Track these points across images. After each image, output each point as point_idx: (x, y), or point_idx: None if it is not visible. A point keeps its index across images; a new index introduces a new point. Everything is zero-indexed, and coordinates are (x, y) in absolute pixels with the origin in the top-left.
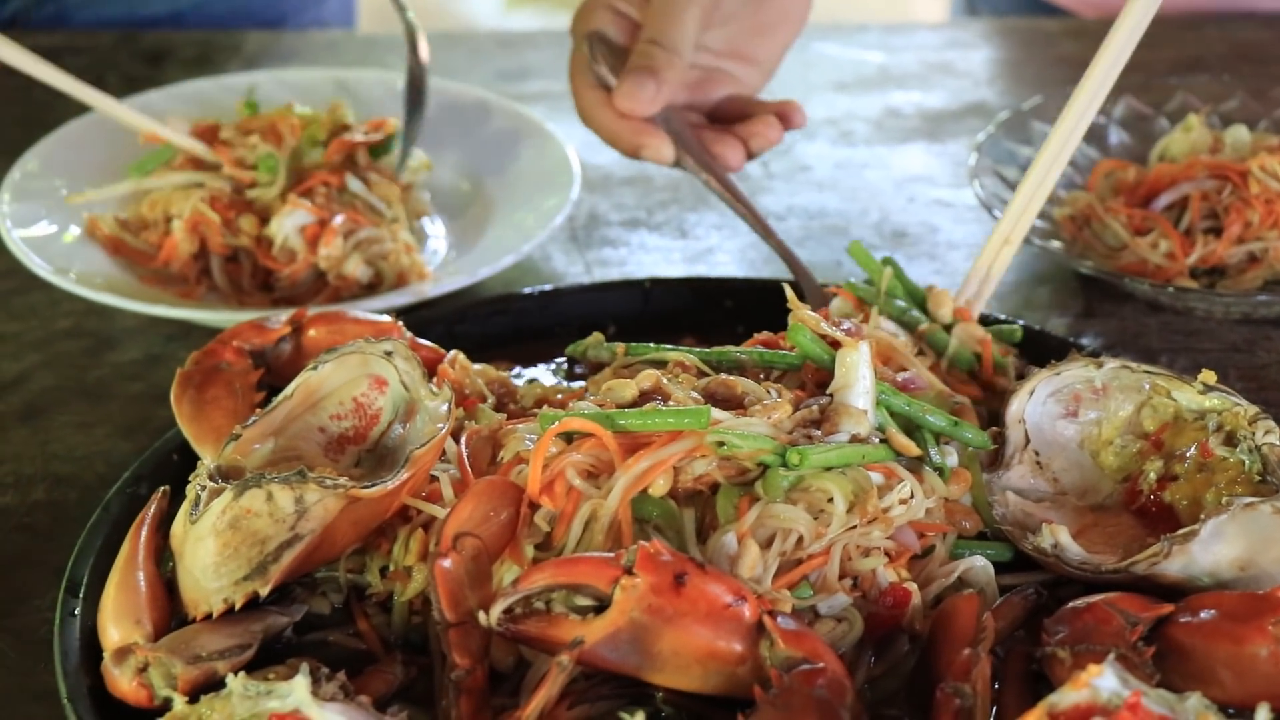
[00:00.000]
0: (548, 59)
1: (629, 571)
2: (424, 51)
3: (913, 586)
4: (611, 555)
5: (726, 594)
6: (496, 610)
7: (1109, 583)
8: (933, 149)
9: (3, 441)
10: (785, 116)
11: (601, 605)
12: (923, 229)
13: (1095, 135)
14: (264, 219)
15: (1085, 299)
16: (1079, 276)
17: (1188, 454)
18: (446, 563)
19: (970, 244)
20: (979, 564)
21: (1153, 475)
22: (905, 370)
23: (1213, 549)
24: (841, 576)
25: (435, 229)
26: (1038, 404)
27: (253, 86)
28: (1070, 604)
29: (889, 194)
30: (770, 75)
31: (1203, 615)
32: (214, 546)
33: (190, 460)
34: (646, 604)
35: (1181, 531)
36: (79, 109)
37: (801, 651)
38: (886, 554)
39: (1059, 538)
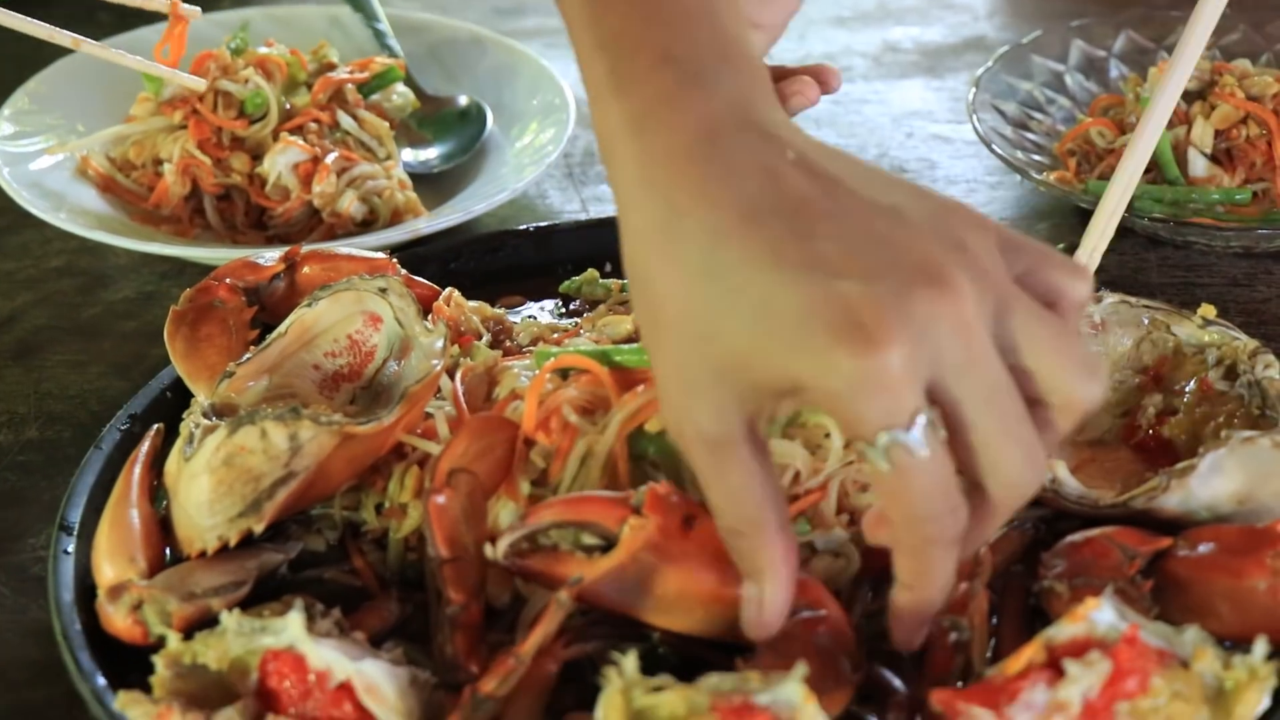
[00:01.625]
0: None
1: (638, 512)
2: None
3: None
4: (620, 495)
5: None
6: (504, 544)
7: (1107, 517)
8: (931, 84)
9: None
10: (823, 80)
11: (608, 544)
12: (921, 165)
13: (1095, 69)
14: (256, 157)
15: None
16: (1079, 211)
17: (1187, 388)
18: (441, 498)
19: (969, 179)
20: None
21: (1151, 410)
22: None
23: (1211, 483)
24: (839, 512)
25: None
26: None
27: (245, 22)
28: (1068, 538)
29: (887, 130)
30: (775, 40)
31: (1201, 549)
32: (208, 484)
33: (184, 398)
34: (654, 544)
35: (1180, 466)
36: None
37: (804, 599)
38: None
39: (1057, 472)
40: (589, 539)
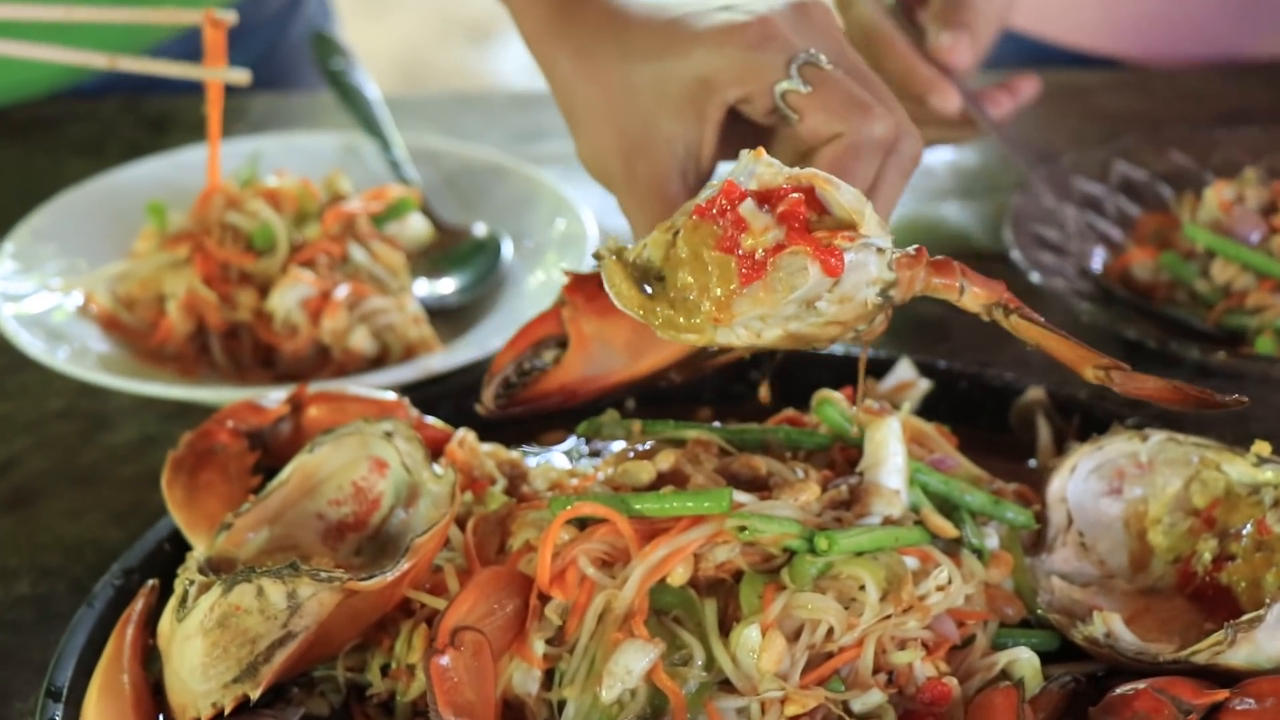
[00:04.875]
0: (562, 120)
1: (564, 304)
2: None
3: (952, 681)
4: (550, 307)
5: None
6: (488, 397)
7: (1168, 673)
8: (968, 207)
9: None
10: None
11: (565, 344)
12: None
13: (1137, 191)
14: (263, 292)
15: (1132, 365)
16: (1125, 342)
17: (1244, 532)
18: (444, 659)
19: None
20: (1024, 655)
21: (1207, 555)
22: (936, 454)
23: None
24: (876, 670)
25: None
26: (1079, 481)
27: (257, 152)
28: (1116, 690)
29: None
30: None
31: (1260, 703)
32: (202, 646)
33: (182, 549)
34: (590, 313)
35: (1246, 618)
36: (75, 178)
37: None
38: (924, 645)
39: (1112, 626)
40: (550, 352)
